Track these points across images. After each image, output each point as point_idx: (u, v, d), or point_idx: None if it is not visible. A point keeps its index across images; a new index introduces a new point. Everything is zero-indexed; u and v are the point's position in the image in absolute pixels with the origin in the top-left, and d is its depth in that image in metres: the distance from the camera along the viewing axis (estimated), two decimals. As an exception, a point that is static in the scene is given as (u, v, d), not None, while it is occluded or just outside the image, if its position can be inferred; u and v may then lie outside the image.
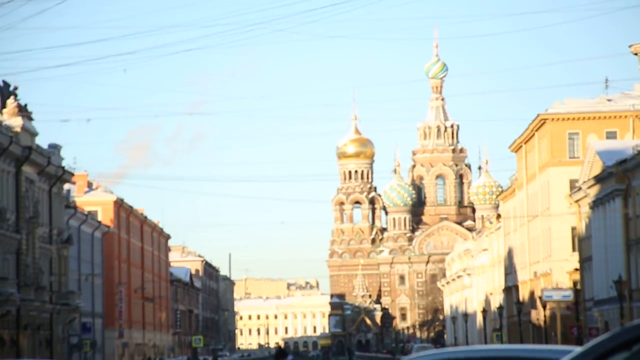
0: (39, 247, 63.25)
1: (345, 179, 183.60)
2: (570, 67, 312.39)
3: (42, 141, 67.20)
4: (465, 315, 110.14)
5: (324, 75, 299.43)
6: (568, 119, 75.57)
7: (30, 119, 64.28)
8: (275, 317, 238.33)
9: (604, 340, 7.05)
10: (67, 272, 71.07)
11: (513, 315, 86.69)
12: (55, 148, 69.41)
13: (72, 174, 73.29)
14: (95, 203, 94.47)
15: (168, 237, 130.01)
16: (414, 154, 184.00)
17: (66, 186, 75.33)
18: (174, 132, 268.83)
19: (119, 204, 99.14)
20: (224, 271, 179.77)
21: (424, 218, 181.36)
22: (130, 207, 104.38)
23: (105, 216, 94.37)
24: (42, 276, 64.02)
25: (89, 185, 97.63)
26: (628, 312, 56.36)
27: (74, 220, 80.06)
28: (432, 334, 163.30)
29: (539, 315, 75.09)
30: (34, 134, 64.24)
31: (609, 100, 75.91)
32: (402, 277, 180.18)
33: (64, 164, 70.45)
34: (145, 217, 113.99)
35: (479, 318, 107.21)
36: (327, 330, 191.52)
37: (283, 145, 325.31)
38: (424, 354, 8.92)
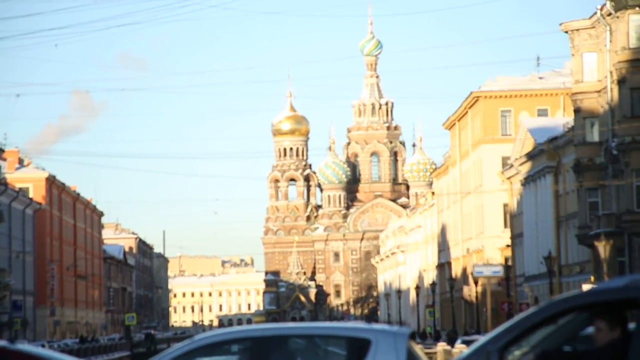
0: (-31, 224, 62.34)
1: (280, 156, 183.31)
2: (503, 44, 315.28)
3: (-29, 117, 66.15)
4: (399, 292, 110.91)
5: (258, 51, 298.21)
6: (500, 96, 76.23)
7: (-41, 94, 63.23)
8: (210, 294, 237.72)
9: (530, 315, 7.11)
10: (-2, 250, 70.16)
11: (446, 292, 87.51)
12: (-16, 124, 68.37)
13: (3, 150, 72.31)
14: (27, 180, 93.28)
15: (101, 214, 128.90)
16: (348, 131, 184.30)
17: (-4, 163, 74.28)
18: (106, 108, 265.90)
19: (51, 181, 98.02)
20: (158, 249, 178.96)
21: (359, 195, 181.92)
22: (63, 184, 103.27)
23: (37, 193, 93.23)
24: (-28, 254, 63.14)
25: (20, 161, 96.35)
26: (558, 287, 57.24)
27: (4, 197, 78.97)
28: (366, 311, 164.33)
29: (470, 291, 75.86)
30: (-38, 110, 63.19)
31: (540, 78, 76.73)
32: (336, 254, 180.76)
33: (-7, 140, 69.44)
34: (78, 194, 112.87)
35: (412, 294, 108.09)
36: (261, 308, 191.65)
37: (218, 122, 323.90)
38: (203, 335, 9.13)
